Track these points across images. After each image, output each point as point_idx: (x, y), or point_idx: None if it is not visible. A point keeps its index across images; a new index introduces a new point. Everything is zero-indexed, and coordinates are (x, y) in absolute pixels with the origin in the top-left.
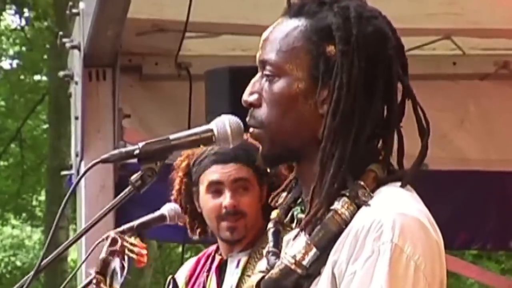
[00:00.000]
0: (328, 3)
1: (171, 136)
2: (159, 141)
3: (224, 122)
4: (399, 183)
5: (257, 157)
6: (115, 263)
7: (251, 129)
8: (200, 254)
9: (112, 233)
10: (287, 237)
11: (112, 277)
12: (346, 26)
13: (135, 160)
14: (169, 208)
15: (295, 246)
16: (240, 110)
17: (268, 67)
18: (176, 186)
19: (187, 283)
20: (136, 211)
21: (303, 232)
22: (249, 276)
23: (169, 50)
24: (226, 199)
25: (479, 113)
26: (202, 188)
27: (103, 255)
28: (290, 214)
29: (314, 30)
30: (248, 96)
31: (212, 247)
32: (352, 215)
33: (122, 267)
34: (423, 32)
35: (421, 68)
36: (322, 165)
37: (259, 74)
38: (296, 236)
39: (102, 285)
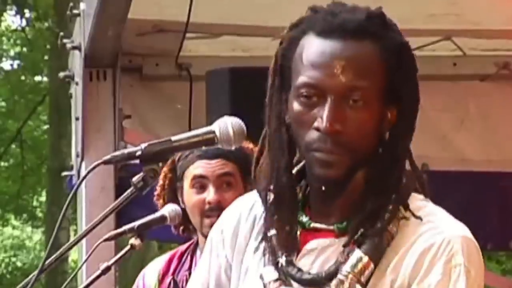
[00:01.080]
0: (381, 20)
1: (173, 138)
2: (161, 142)
3: (227, 124)
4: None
5: (310, 176)
6: None
7: (328, 155)
8: (172, 252)
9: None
10: (310, 246)
11: None
12: (409, 45)
13: (135, 161)
14: (169, 209)
15: (349, 261)
16: (240, 110)
17: (357, 93)
18: (160, 182)
19: (160, 281)
20: (136, 212)
21: (350, 246)
22: None
23: (170, 51)
24: (210, 194)
25: (479, 114)
26: (186, 182)
27: None
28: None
29: (389, 51)
30: (332, 125)
31: (185, 245)
32: (397, 230)
33: None
34: (424, 33)
35: (421, 69)
36: (396, 182)
37: (335, 100)
38: (344, 246)
39: None
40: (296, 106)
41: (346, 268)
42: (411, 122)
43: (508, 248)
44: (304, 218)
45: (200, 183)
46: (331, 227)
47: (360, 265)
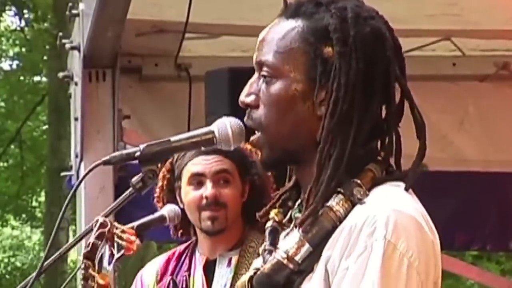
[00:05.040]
0: (324, 4)
1: (172, 138)
2: (160, 143)
3: (226, 124)
4: (396, 183)
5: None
6: (104, 248)
7: (251, 138)
8: (170, 252)
9: (100, 218)
10: (283, 234)
11: (101, 263)
12: (343, 27)
13: (135, 162)
14: (169, 209)
15: (288, 242)
16: (239, 111)
17: (265, 68)
18: (159, 183)
19: (157, 282)
20: (136, 212)
21: (296, 228)
22: (242, 275)
23: (169, 51)
24: (207, 189)
25: (479, 114)
26: (184, 180)
27: (91, 239)
28: (289, 215)
29: (311, 31)
30: (245, 97)
31: (183, 246)
32: (347, 213)
33: (111, 254)
34: (423, 33)
35: (421, 69)
36: (320, 166)
37: (256, 75)
38: (289, 232)
39: (90, 270)
40: None
41: (282, 248)
42: (331, 107)
43: (507, 249)
44: (294, 210)
45: (198, 180)
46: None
47: (295, 245)
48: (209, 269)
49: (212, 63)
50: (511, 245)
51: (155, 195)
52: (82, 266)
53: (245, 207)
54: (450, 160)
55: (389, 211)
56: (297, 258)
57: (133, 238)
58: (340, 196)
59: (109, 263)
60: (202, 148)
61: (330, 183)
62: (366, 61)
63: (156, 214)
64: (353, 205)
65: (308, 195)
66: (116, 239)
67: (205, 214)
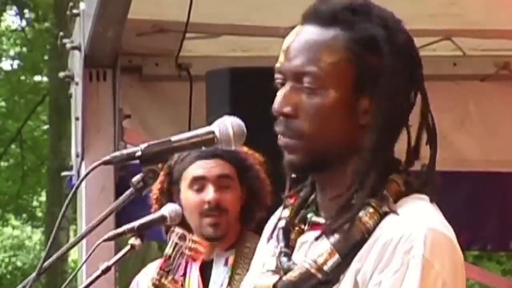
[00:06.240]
0: (360, 10)
1: (173, 138)
2: (160, 143)
3: (226, 124)
4: (419, 195)
5: (284, 163)
6: (179, 260)
7: (283, 139)
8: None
9: (177, 230)
10: (302, 239)
11: (174, 274)
12: (390, 37)
13: (135, 161)
14: (170, 209)
15: (316, 250)
16: (240, 110)
17: (307, 79)
18: (158, 185)
19: None
20: (136, 212)
21: (324, 237)
22: (239, 274)
23: (170, 51)
24: (209, 194)
25: (479, 114)
26: (184, 184)
27: (168, 250)
28: (300, 216)
29: (356, 41)
30: (282, 108)
31: None
32: (376, 225)
33: (186, 265)
34: (423, 33)
35: None
36: (363, 174)
37: (290, 84)
38: (316, 239)
39: (163, 280)
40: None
41: (311, 256)
42: (380, 116)
43: (508, 248)
44: (309, 213)
45: (199, 184)
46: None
47: (324, 255)
48: (205, 270)
49: (213, 63)
50: None
51: (153, 197)
52: (156, 276)
53: (242, 210)
54: (450, 160)
55: (426, 229)
56: (326, 268)
57: (201, 249)
58: (370, 208)
59: (183, 274)
60: (203, 149)
61: (373, 192)
62: (409, 69)
63: (157, 214)
64: (381, 217)
65: (340, 202)
66: (186, 250)
67: (207, 220)
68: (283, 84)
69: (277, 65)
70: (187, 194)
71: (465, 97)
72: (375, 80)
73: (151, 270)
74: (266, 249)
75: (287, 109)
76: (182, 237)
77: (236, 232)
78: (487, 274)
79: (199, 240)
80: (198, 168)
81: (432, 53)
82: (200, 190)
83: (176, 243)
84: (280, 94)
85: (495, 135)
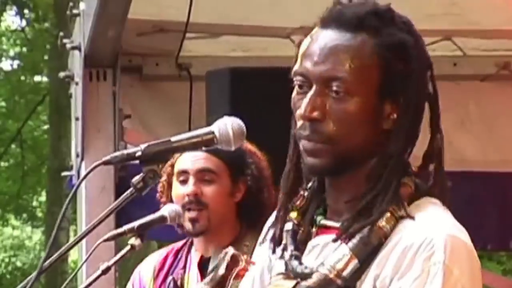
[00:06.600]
0: (385, 15)
1: (173, 138)
2: (160, 143)
3: (226, 124)
4: (432, 199)
5: (303, 166)
6: (230, 281)
7: (309, 143)
8: (167, 249)
9: (231, 250)
10: (313, 243)
11: None
12: (416, 43)
13: (135, 162)
14: (169, 209)
15: (334, 256)
16: (240, 110)
17: (336, 84)
18: (164, 178)
19: (155, 278)
20: (136, 212)
21: (339, 241)
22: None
23: (170, 51)
24: (188, 187)
25: (480, 114)
26: (175, 177)
27: (221, 271)
28: (308, 218)
29: (385, 47)
30: (309, 113)
31: (180, 243)
32: (392, 229)
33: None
34: (424, 33)
35: None
36: (386, 179)
37: (317, 89)
38: (333, 241)
39: None
40: (293, 95)
41: (329, 262)
42: (406, 121)
43: (508, 248)
44: (318, 216)
45: (184, 176)
46: (338, 224)
47: (344, 260)
48: (204, 266)
49: (213, 63)
50: None
51: (159, 190)
52: None
53: (241, 208)
54: (451, 160)
55: (446, 235)
56: (344, 273)
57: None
58: (388, 212)
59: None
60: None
61: (393, 198)
62: (428, 74)
63: (157, 214)
64: (397, 221)
65: (356, 205)
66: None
67: (187, 215)
68: (301, 87)
69: (297, 68)
70: (175, 187)
71: (465, 97)
72: (400, 85)
73: (153, 260)
74: (264, 250)
75: (315, 114)
76: (235, 258)
77: (233, 229)
78: (487, 274)
79: (248, 260)
80: (184, 161)
81: (432, 53)
82: (184, 182)
83: (228, 265)
84: (306, 99)
85: (495, 135)
